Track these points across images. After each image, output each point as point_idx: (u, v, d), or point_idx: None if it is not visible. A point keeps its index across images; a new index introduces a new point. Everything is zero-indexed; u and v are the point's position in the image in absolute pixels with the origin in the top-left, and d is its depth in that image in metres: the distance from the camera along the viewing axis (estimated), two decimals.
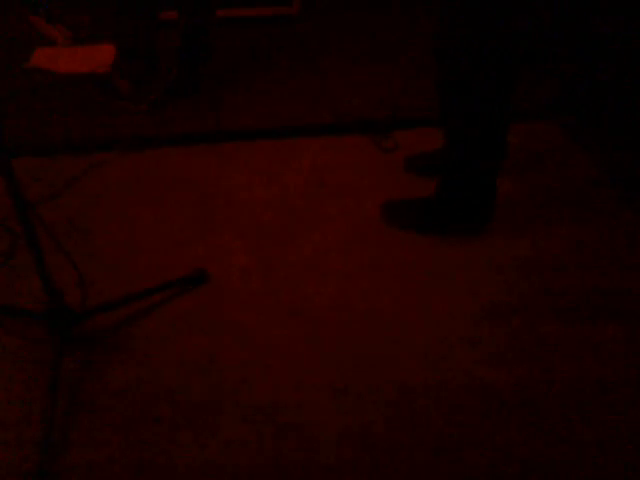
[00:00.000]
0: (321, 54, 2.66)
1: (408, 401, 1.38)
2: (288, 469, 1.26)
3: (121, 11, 2.17)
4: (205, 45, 2.32)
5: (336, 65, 2.58)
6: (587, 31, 2.20)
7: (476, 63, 1.52)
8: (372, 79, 2.47)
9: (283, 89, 2.41)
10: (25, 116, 2.20)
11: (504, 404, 1.37)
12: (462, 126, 1.65)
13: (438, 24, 1.58)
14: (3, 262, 1.68)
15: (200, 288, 1.63)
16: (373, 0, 3.03)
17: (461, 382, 1.42)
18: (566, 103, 2.32)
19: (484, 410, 1.36)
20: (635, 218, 1.87)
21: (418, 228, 1.79)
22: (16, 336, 1.47)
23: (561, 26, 2.19)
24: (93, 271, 1.66)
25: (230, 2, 2.79)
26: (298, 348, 1.49)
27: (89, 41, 2.51)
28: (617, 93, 2.17)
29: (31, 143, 2.09)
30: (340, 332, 1.53)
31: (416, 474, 1.25)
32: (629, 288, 1.65)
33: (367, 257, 1.74)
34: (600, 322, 1.56)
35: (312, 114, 2.27)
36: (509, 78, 1.57)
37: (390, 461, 1.27)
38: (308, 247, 1.77)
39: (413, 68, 2.51)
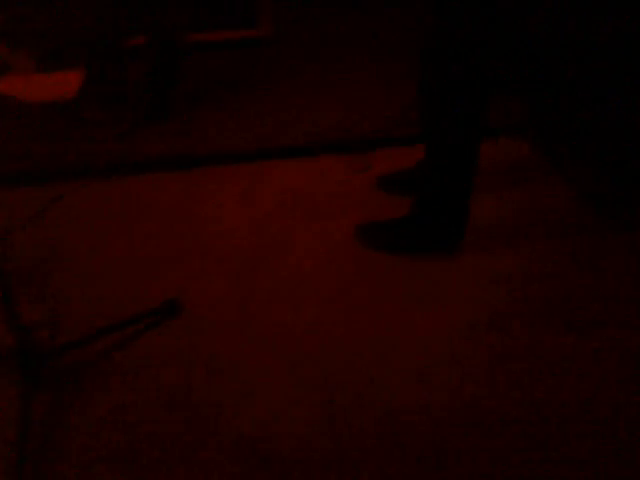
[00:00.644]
0: (291, 76, 2.65)
1: (392, 425, 1.35)
2: None
3: (88, 37, 2.14)
4: (173, 70, 2.30)
5: (306, 87, 2.57)
6: (559, 46, 2.22)
7: (462, 65, 1.54)
8: (343, 100, 2.47)
9: (253, 112, 2.40)
10: None
11: (488, 420, 1.36)
12: (445, 133, 1.65)
13: (427, 26, 1.59)
14: None
15: (174, 318, 1.59)
16: (342, 22, 3.04)
17: (445, 400, 1.40)
18: (533, 119, 2.35)
19: (468, 427, 1.34)
20: (608, 230, 1.88)
21: (392, 249, 1.78)
22: None
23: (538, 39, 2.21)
24: (63, 305, 1.61)
25: (199, 27, 2.78)
26: (277, 376, 1.46)
27: (55, 68, 2.47)
28: (585, 109, 2.20)
29: None
30: (320, 357, 1.50)
31: None
32: (608, 299, 1.65)
33: (343, 280, 1.72)
34: (581, 333, 1.56)
35: (283, 136, 2.26)
36: (488, 83, 1.59)
37: None
38: (283, 272, 1.74)
39: (385, 89, 2.52)
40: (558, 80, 2.28)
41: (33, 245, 1.80)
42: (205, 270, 1.75)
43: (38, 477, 1.25)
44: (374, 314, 1.62)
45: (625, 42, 2.02)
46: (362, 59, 2.76)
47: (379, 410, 1.38)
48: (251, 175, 2.12)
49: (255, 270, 1.75)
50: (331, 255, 1.80)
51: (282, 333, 1.56)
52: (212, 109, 2.40)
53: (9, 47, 2.58)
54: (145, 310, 1.56)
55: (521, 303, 1.64)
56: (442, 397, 1.41)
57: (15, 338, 1.30)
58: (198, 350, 1.52)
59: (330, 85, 2.57)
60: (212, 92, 2.52)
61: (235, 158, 2.16)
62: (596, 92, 2.14)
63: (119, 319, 1.52)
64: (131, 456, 1.29)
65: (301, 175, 2.13)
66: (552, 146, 2.22)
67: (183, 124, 2.30)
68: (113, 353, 1.50)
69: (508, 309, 1.63)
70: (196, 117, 2.35)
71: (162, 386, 1.43)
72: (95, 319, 1.56)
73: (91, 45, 2.10)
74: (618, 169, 2.05)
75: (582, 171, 2.10)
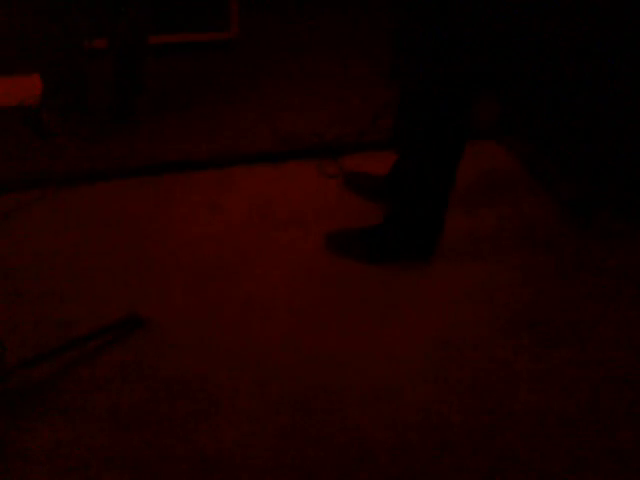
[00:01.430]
0: (261, 79, 2.60)
1: (361, 444, 1.30)
2: None
3: (46, 40, 2.06)
4: (137, 73, 2.22)
5: (277, 90, 2.52)
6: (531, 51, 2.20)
7: (439, 71, 1.51)
8: (313, 104, 2.42)
9: (221, 117, 2.34)
10: None
11: (458, 440, 1.31)
12: (423, 141, 1.61)
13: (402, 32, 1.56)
14: None
15: (137, 333, 1.53)
16: (312, 25, 2.99)
17: (413, 419, 1.35)
18: (507, 122, 2.32)
19: (439, 446, 1.30)
20: (584, 238, 1.86)
21: (364, 257, 1.74)
22: None
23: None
24: (21, 319, 1.54)
25: (166, 28, 2.71)
26: (241, 394, 1.40)
27: (13, 71, 2.38)
28: (560, 111, 2.17)
29: None
30: (287, 374, 1.44)
31: None
32: (580, 314, 1.62)
33: (314, 291, 1.67)
34: (553, 348, 1.52)
35: (253, 141, 2.20)
36: (468, 94, 1.55)
37: None
38: (252, 283, 1.68)
39: (356, 93, 2.47)
40: (532, 82, 2.25)
41: None
42: (171, 281, 1.68)
43: None
44: (345, 327, 1.57)
45: (601, 45, 2.00)
46: (333, 63, 2.72)
47: (348, 429, 1.33)
48: (220, 182, 2.06)
49: (223, 280, 1.69)
50: (302, 264, 1.75)
51: (249, 347, 1.50)
52: (179, 113, 2.34)
53: None
54: (106, 324, 1.49)
55: (495, 315, 1.60)
56: (412, 415, 1.36)
57: None
58: (161, 365, 1.45)
59: (300, 89, 2.53)
60: (179, 96, 2.45)
61: (203, 164, 2.10)
62: (572, 94, 2.11)
63: (78, 334, 1.46)
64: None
65: (272, 181, 2.07)
66: (527, 150, 2.19)
67: (149, 129, 2.23)
68: (72, 371, 1.43)
69: (481, 322, 1.59)
70: (162, 122, 2.28)
71: (123, 405, 1.36)
72: (54, 334, 1.49)
73: (48, 49, 2.02)
74: (594, 175, 2.03)
75: (558, 177, 2.07)
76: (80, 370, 1.43)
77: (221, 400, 1.38)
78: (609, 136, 2.01)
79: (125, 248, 1.78)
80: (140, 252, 1.77)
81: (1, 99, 2.26)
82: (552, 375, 1.45)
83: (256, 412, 1.36)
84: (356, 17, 2.99)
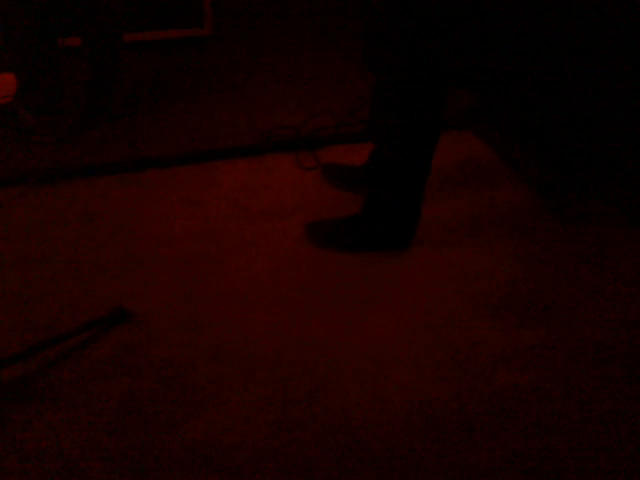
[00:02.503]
0: (236, 75, 2.61)
1: (348, 429, 1.33)
2: None
3: (19, 38, 2.04)
4: (113, 72, 2.22)
5: (254, 86, 2.54)
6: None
7: (409, 68, 1.53)
8: (291, 98, 2.45)
9: (200, 112, 2.35)
10: None
11: (447, 421, 1.35)
12: (394, 129, 1.63)
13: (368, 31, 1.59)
14: None
15: (122, 328, 1.53)
16: (288, 20, 3.02)
17: (401, 402, 1.38)
18: (482, 111, 2.36)
19: (427, 430, 1.33)
20: (558, 223, 1.90)
21: (343, 246, 1.77)
22: None
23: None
24: (5, 318, 1.53)
25: (140, 25, 2.71)
26: (229, 384, 1.41)
27: None
28: (533, 100, 2.22)
29: None
30: (273, 362, 1.46)
31: None
32: (559, 297, 1.66)
33: (295, 280, 1.69)
34: (534, 330, 1.56)
35: (231, 136, 2.22)
36: (441, 84, 1.58)
37: None
38: (234, 275, 1.70)
39: (332, 86, 2.50)
40: (506, 71, 2.29)
41: None
42: (154, 275, 1.69)
43: None
44: (328, 315, 1.59)
45: (575, 32, 2.05)
46: (308, 56, 2.74)
47: (334, 415, 1.35)
48: (199, 177, 2.07)
49: (206, 273, 1.70)
50: (284, 255, 1.77)
51: (234, 338, 1.52)
52: (156, 110, 2.34)
53: None
54: (91, 319, 1.50)
55: (475, 299, 1.64)
56: (398, 398, 1.39)
57: None
58: (148, 359, 1.46)
59: (277, 83, 2.55)
60: (155, 93, 2.45)
61: (182, 160, 2.11)
62: (545, 82, 2.16)
63: (63, 330, 1.46)
64: (75, 475, 1.23)
65: (251, 175, 2.09)
66: (502, 139, 2.24)
67: (127, 126, 2.23)
68: (58, 366, 1.43)
69: (462, 305, 1.62)
70: (139, 119, 2.28)
71: (110, 399, 1.37)
72: (37, 332, 1.49)
73: (21, 47, 2.01)
74: (566, 161, 2.08)
75: (532, 164, 2.12)
76: (67, 364, 1.44)
77: (210, 392, 1.39)
78: (580, 122, 2.06)
79: (107, 245, 1.78)
80: (122, 248, 1.77)
81: None
82: (534, 355, 1.49)
83: (245, 402, 1.37)
84: (332, 11, 3.02)
